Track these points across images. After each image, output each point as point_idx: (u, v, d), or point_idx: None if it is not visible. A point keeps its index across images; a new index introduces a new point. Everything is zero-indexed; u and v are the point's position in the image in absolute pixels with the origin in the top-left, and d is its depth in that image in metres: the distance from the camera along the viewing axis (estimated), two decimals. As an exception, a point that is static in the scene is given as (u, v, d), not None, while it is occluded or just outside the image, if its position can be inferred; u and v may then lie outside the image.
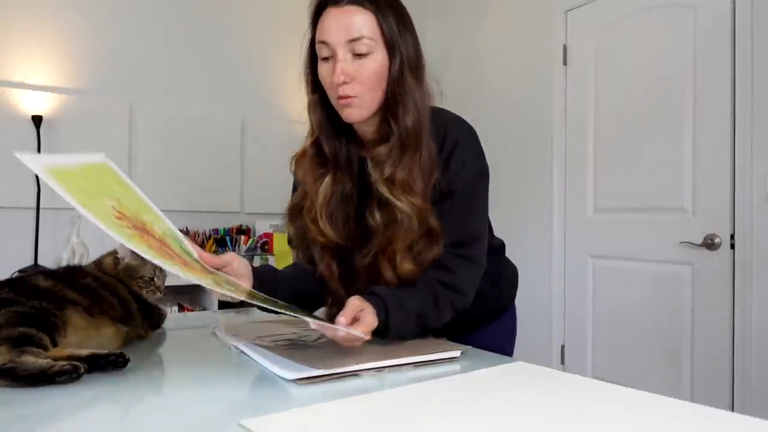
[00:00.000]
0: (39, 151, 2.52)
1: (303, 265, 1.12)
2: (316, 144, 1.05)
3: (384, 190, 0.97)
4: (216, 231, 2.95)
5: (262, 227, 3.05)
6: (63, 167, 0.72)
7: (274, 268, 1.11)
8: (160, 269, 1.10)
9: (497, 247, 1.20)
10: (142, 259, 1.06)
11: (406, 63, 0.98)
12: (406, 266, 0.97)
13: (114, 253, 1.09)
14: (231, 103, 3.13)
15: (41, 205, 2.53)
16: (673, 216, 2.39)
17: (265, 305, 0.80)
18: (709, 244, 2.25)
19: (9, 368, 0.72)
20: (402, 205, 0.95)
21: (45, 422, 0.62)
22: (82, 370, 0.74)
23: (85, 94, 2.70)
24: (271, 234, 2.98)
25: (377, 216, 0.99)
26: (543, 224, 2.90)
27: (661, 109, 2.44)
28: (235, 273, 0.93)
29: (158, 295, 1.09)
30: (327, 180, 1.04)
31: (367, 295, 0.93)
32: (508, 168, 2.99)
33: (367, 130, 1.04)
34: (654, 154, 2.45)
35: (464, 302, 1.01)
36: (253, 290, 0.88)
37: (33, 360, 0.73)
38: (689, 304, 2.32)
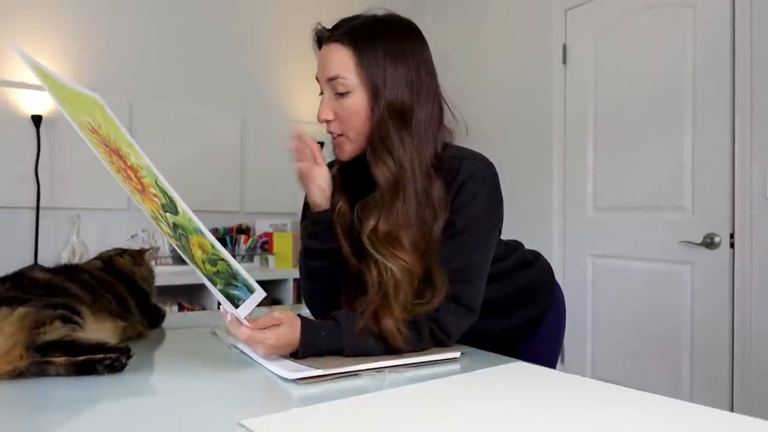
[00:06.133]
0: (39, 151, 2.51)
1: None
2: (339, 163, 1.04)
3: (367, 243, 0.89)
4: (216, 230, 2.94)
5: (262, 227, 3.05)
6: (53, 76, 0.72)
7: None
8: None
9: (522, 262, 1.16)
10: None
11: (385, 107, 0.89)
12: (389, 323, 0.86)
13: (120, 251, 1.11)
14: (231, 102, 3.12)
15: (41, 205, 2.53)
16: (672, 215, 2.39)
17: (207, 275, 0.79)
18: (709, 243, 2.25)
19: (67, 341, 0.74)
20: (387, 262, 0.86)
21: (45, 422, 0.62)
22: (125, 360, 0.77)
23: (84, 93, 2.69)
24: (271, 233, 2.97)
25: (373, 272, 0.89)
26: (542, 223, 2.90)
27: (660, 108, 2.43)
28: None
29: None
30: (335, 170, 1.02)
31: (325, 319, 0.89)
32: (507, 167, 2.94)
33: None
34: (653, 154, 2.45)
35: (446, 341, 0.92)
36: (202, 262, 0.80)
37: (86, 337, 0.77)
38: (689, 304, 2.32)
